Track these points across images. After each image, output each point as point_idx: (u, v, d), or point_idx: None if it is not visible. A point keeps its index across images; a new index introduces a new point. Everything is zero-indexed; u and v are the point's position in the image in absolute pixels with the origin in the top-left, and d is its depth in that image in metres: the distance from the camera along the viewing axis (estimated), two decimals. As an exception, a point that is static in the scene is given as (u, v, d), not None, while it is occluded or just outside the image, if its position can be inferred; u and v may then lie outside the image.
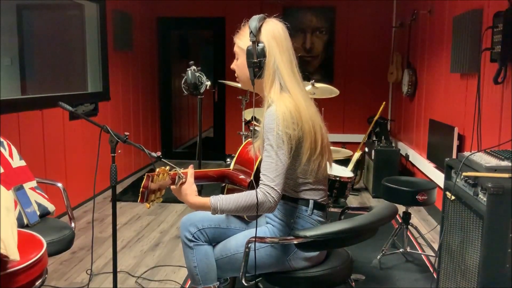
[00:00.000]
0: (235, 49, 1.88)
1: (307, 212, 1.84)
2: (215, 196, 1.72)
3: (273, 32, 1.78)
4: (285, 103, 1.72)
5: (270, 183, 1.65)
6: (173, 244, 3.66)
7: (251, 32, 1.75)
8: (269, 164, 1.67)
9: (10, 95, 4.22)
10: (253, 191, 1.66)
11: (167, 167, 1.74)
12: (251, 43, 1.76)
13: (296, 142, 1.72)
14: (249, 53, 1.76)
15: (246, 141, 2.26)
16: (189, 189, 1.77)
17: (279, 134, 1.67)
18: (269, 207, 1.66)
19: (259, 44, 1.75)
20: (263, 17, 1.81)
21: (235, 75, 1.92)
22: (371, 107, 6.04)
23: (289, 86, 1.77)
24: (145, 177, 1.68)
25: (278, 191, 1.66)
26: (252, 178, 2.01)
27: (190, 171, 1.82)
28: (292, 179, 1.79)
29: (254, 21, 1.77)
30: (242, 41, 1.84)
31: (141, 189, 1.68)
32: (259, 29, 1.76)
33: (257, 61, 1.75)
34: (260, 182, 1.68)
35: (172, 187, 1.79)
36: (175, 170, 1.76)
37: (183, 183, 1.78)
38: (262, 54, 1.75)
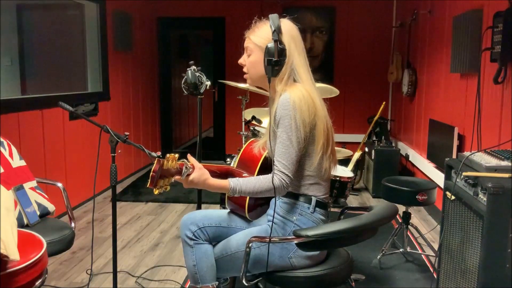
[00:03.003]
0: (248, 45, 1.88)
1: (310, 209, 1.84)
2: (233, 179, 1.78)
3: (292, 33, 1.83)
4: (299, 90, 1.76)
5: (285, 170, 1.73)
6: (173, 244, 3.66)
7: (274, 31, 1.76)
8: (284, 152, 1.73)
9: (10, 95, 4.23)
10: (269, 177, 1.73)
11: (176, 155, 1.74)
12: (270, 41, 1.76)
13: (310, 130, 1.75)
14: (270, 52, 1.76)
15: (251, 139, 2.26)
16: (205, 173, 1.80)
17: (296, 121, 1.72)
18: (283, 191, 1.76)
19: (281, 44, 1.77)
20: (278, 16, 1.82)
21: (244, 70, 1.93)
22: (371, 107, 6.04)
23: (305, 82, 1.81)
24: (155, 161, 1.68)
25: (292, 177, 1.74)
26: (255, 175, 2.01)
27: (193, 159, 1.83)
28: (299, 172, 1.82)
29: (275, 20, 1.78)
30: (258, 37, 1.85)
31: (151, 173, 1.68)
32: (280, 29, 1.78)
33: (278, 60, 1.76)
34: (275, 167, 1.74)
35: (178, 177, 1.77)
36: (183, 161, 1.77)
37: (189, 175, 1.78)
38: (283, 53, 1.77)
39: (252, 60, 1.88)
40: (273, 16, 1.79)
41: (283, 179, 1.72)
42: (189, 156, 1.84)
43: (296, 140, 1.72)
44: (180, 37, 7.12)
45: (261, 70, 1.82)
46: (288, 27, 1.83)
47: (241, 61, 1.93)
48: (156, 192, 1.73)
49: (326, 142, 1.80)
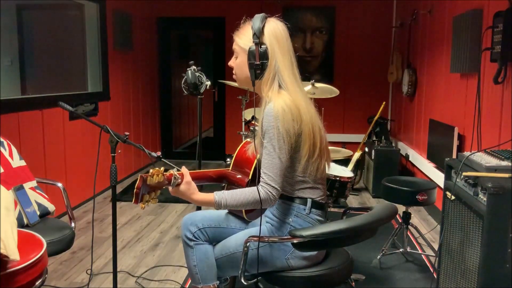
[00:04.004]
0: (235, 46, 1.88)
1: (305, 211, 1.84)
2: (218, 192, 1.76)
3: (275, 34, 1.79)
4: (283, 100, 1.73)
5: (271, 182, 1.70)
6: (173, 244, 3.66)
7: (254, 33, 1.75)
8: (270, 163, 1.70)
9: (10, 95, 4.22)
10: (255, 189, 1.70)
11: (162, 168, 1.74)
12: (253, 44, 1.76)
13: (296, 139, 1.73)
14: (251, 55, 1.76)
15: (244, 141, 2.26)
16: (191, 188, 1.80)
17: (280, 132, 1.69)
18: (270, 203, 1.73)
19: (262, 46, 1.75)
20: (265, 17, 1.81)
21: (233, 72, 1.93)
22: (371, 107, 6.04)
23: (289, 87, 1.78)
24: (138, 178, 1.68)
25: (279, 189, 1.71)
26: (250, 178, 2.02)
27: (185, 170, 1.84)
28: (290, 178, 1.80)
29: (257, 21, 1.76)
30: (242, 40, 1.84)
31: (134, 190, 1.68)
32: (261, 30, 1.76)
33: (259, 63, 1.75)
34: (261, 180, 1.72)
35: (169, 188, 1.80)
36: (171, 171, 1.77)
37: (179, 184, 1.78)
38: (265, 56, 1.76)
39: (238, 62, 1.87)
40: (256, 17, 1.78)
41: (270, 191, 1.69)
42: (183, 168, 1.85)
43: (281, 151, 1.70)
44: (180, 37, 7.12)
45: (246, 73, 1.82)
46: (272, 28, 1.79)
47: (230, 63, 1.92)
48: (142, 207, 1.73)
49: (312, 147, 1.77)
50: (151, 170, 1.70)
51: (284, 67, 1.78)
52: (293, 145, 1.73)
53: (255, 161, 2.03)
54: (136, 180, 1.69)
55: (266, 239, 1.84)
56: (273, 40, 1.77)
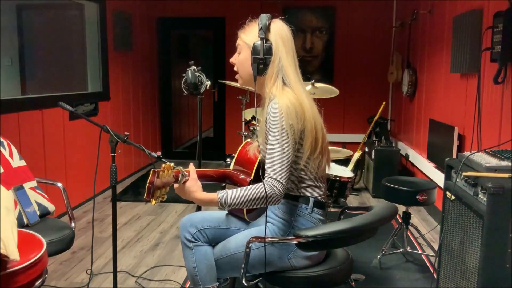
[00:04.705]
0: (239, 42, 1.88)
1: (308, 210, 1.84)
2: (222, 191, 1.73)
3: (281, 32, 1.81)
4: (287, 97, 1.74)
5: (276, 176, 1.68)
6: (173, 244, 3.66)
7: (261, 28, 1.76)
8: (275, 158, 1.69)
9: (10, 95, 4.23)
10: (260, 185, 1.68)
11: (172, 164, 1.73)
12: (258, 39, 1.77)
13: (299, 136, 1.74)
14: (256, 49, 1.77)
15: (245, 141, 2.26)
16: (195, 186, 1.78)
17: (284, 127, 1.69)
18: (276, 199, 1.69)
19: (267, 42, 1.77)
20: (271, 17, 1.83)
21: (234, 69, 1.93)
22: (371, 107, 6.04)
23: (292, 84, 1.79)
24: (151, 172, 1.67)
25: (284, 183, 1.69)
26: (252, 177, 2.01)
27: (192, 168, 1.83)
28: (293, 176, 1.80)
29: (264, 18, 1.79)
30: (248, 36, 1.84)
31: (147, 184, 1.67)
32: (268, 27, 1.78)
33: (263, 58, 1.76)
34: (266, 175, 1.70)
35: (176, 185, 1.78)
36: (178, 168, 1.76)
37: (186, 181, 1.78)
38: (269, 51, 1.77)
39: (241, 58, 1.88)
40: (263, 16, 1.80)
41: (275, 186, 1.67)
42: (191, 165, 1.84)
43: (286, 144, 1.69)
44: (180, 37, 7.12)
45: (249, 69, 1.82)
46: (277, 26, 1.82)
47: (232, 59, 1.93)
48: (153, 203, 1.70)
49: (314, 143, 1.77)
50: (162, 165, 1.69)
51: (288, 65, 1.80)
52: (296, 140, 1.73)
53: (257, 161, 2.03)
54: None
55: (271, 239, 1.83)
56: (278, 38, 1.79)
